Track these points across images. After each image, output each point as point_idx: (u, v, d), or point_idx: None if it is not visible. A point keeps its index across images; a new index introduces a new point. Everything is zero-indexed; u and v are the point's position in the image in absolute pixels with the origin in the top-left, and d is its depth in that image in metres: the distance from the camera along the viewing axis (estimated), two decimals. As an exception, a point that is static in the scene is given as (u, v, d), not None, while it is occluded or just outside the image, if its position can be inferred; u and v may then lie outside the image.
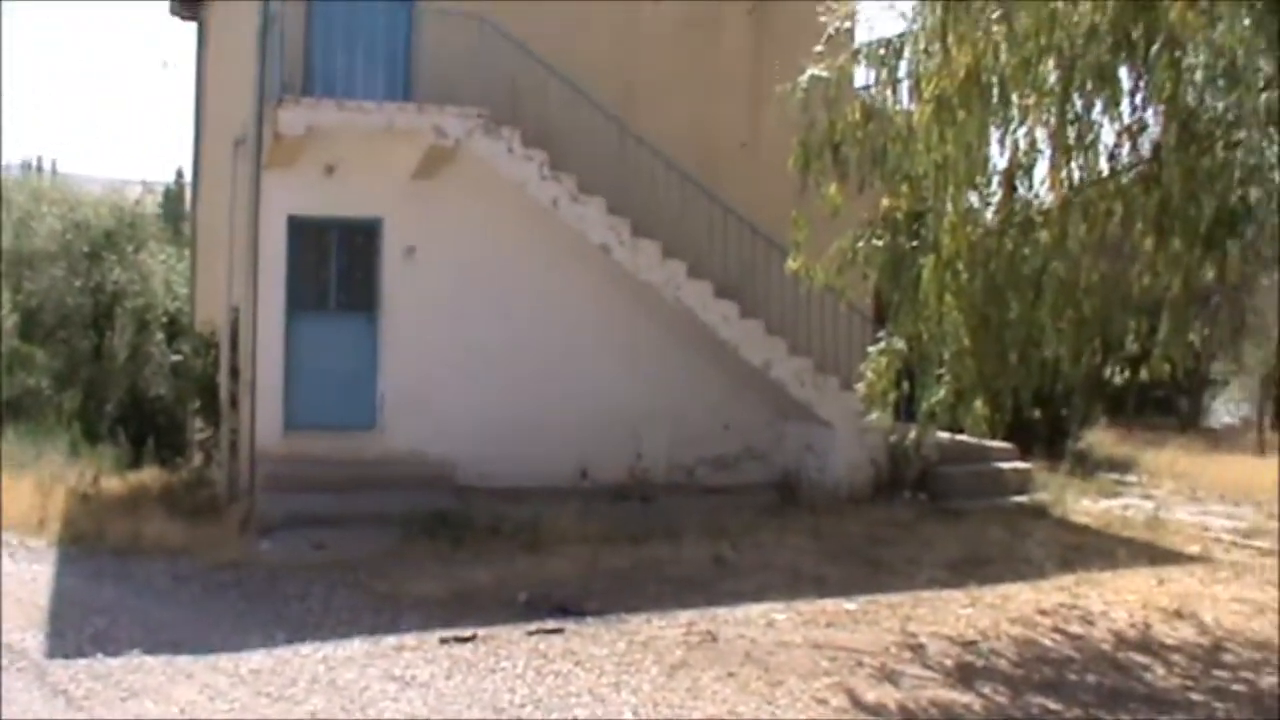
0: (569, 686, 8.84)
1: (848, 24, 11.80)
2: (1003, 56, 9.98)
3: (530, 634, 10.11)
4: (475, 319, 16.37)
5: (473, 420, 16.16)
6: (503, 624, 10.43)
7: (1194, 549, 14.79)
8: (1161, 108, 9.96)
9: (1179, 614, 11.27)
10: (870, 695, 8.75)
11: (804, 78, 11.35)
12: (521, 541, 13.57)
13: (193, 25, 23.30)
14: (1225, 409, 38.68)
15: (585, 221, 16.19)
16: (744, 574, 12.46)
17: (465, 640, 9.90)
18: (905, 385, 12.10)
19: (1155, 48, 9.56)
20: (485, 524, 14.16)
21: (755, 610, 10.97)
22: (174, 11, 23.00)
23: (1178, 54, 9.56)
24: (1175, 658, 9.96)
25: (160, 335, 28.05)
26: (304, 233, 16.22)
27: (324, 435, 16.06)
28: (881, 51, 11.17)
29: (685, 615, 10.74)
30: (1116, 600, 11.73)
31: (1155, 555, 14.22)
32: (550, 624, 10.39)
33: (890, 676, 9.18)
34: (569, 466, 16.49)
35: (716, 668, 9.24)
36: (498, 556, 12.96)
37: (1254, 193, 9.89)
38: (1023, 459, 19.18)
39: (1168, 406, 34.15)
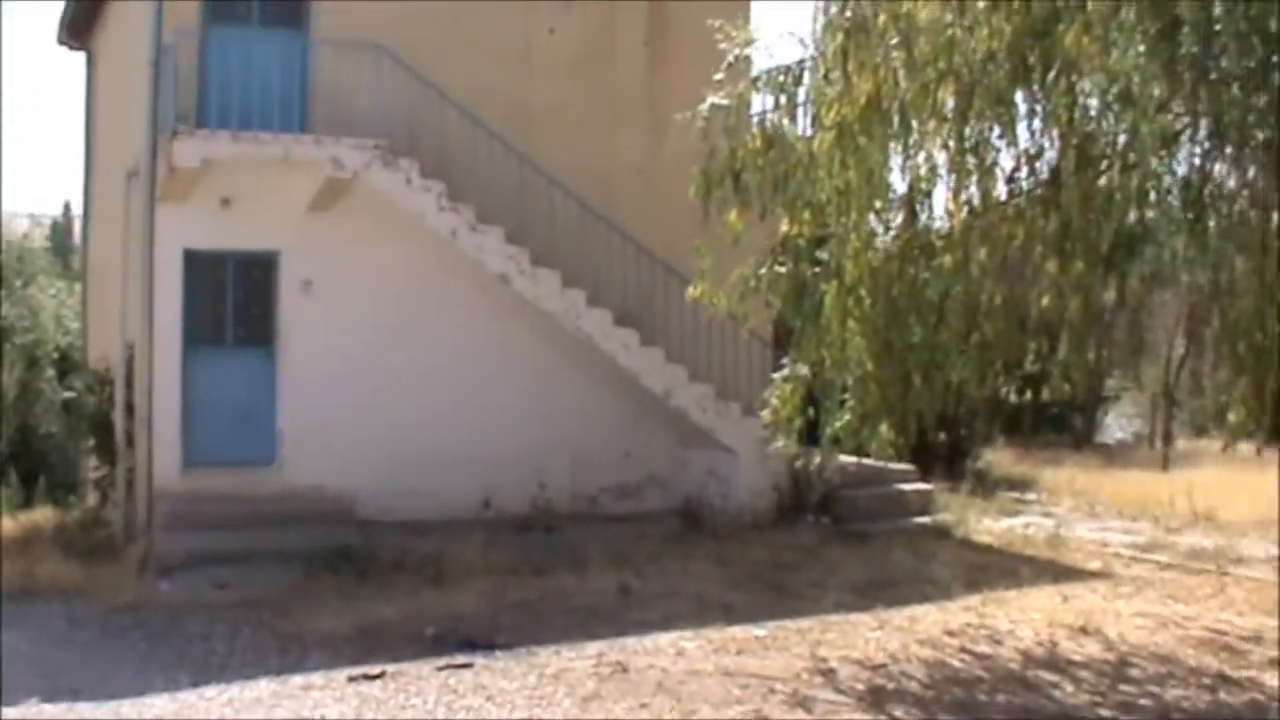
0: (481, 721, 8.77)
1: (746, 52, 11.83)
2: (902, 83, 10.06)
3: (439, 669, 9.99)
4: (375, 351, 16.24)
5: (373, 453, 16.01)
6: (411, 660, 10.30)
7: (1095, 565, 14.98)
8: (1059, 132, 10.09)
9: (1084, 630, 11.38)
10: (784, 722, 8.76)
11: (704, 105, 11.38)
12: (426, 575, 13.44)
13: (81, 55, 22.96)
14: (1118, 425, 39.26)
15: (484, 251, 16.12)
16: (651, 603, 12.43)
17: (374, 678, 9.77)
18: (810, 411, 12.15)
19: (1052, 74, 9.68)
20: (389, 558, 14.01)
21: (664, 639, 10.94)
22: (61, 41, 22.63)
23: (1074, 79, 9.69)
24: (1083, 674, 10.05)
25: (51, 371, 27.62)
26: (200, 266, 16.01)
27: (223, 472, 15.83)
28: (781, 78, 11.22)
29: (594, 646, 10.68)
30: (1022, 619, 11.83)
31: (1058, 573, 14.36)
32: (459, 658, 10.28)
33: (803, 702, 9.18)
34: (472, 498, 16.38)
35: (629, 699, 9.19)
36: (403, 591, 12.82)
37: (1151, 215, 10.02)
38: (924, 480, 19.36)
39: (1062, 424, 34.60)
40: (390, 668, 10.01)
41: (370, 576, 13.45)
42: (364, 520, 15.30)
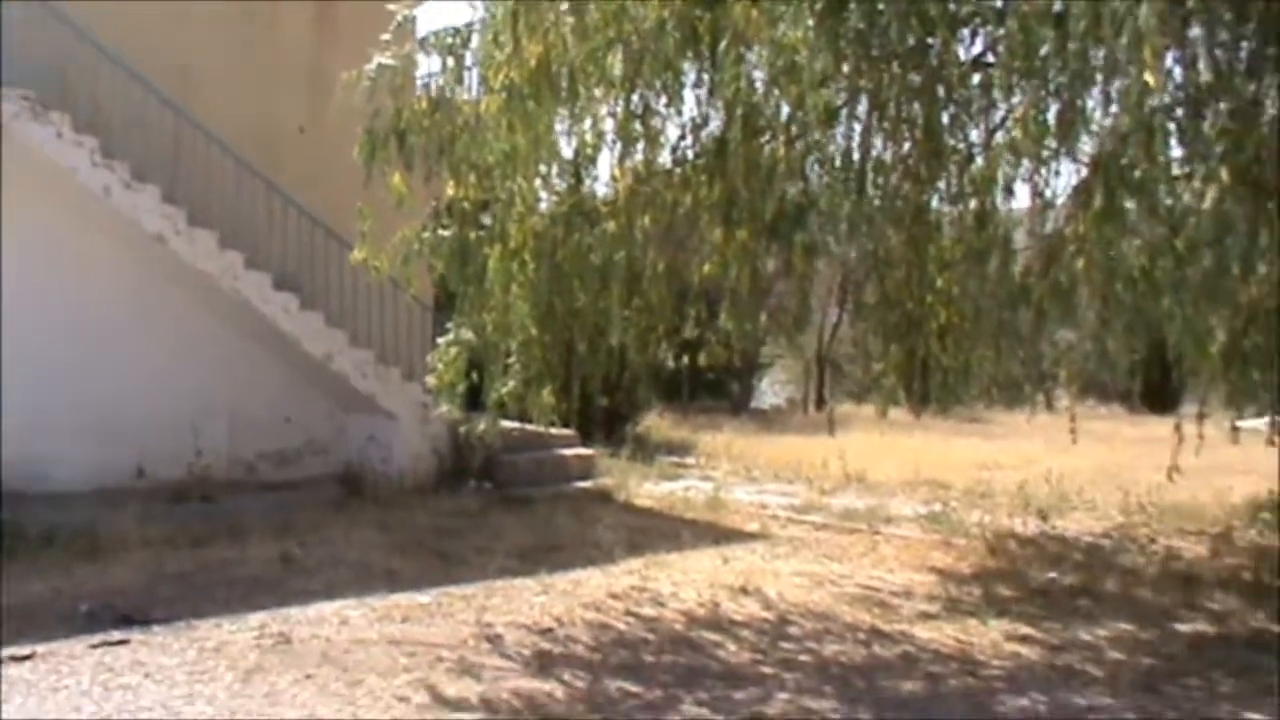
0: (139, 700, 8.42)
1: (414, 12, 11.67)
2: (572, 48, 10.06)
3: (94, 647, 9.56)
4: (19, 311, 15.44)
5: (16, 420, 15.24)
6: (63, 639, 9.81)
7: (754, 527, 15.31)
8: (725, 102, 10.24)
9: (744, 590, 11.62)
10: (451, 690, 8.67)
11: (370, 65, 11.19)
12: (79, 549, 12.86)
13: None
14: (773, 391, 40.32)
15: (139, 210, 15.51)
16: (313, 571, 12.20)
17: (23, 659, 9.30)
18: (473, 376, 12.11)
19: (721, 45, 9.81)
20: (37, 532, 13.32)
21: (328, 608, 10.74)
22: None
23: (742, 51, 9.84)
24: (744, 633, 10.24)
25: None
26: None
27: None
28: (450, 40, 11.11)
29: (256, 618, 10.41)
30: (685, 580, 12.02)
31: (718, 535, 14.64)
32: (115, 635, 9.87)
33: (470, 670, 9.12)
34: (124, 466, 15.81)
35: (293, 671, 8.99)
36: (54, 566, 12.25)
37: (813, 186, 10.27)
38: (585, 445, 19.51)
39: (720, 390, 35.33)
40: (41, 648, 9.53)
41: (18, 553, 12.78)
42: (8, 492, 14.53)
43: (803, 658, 9.58)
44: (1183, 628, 10.61)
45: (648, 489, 17.93)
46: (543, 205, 11.47)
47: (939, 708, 8.45)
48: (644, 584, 11.86)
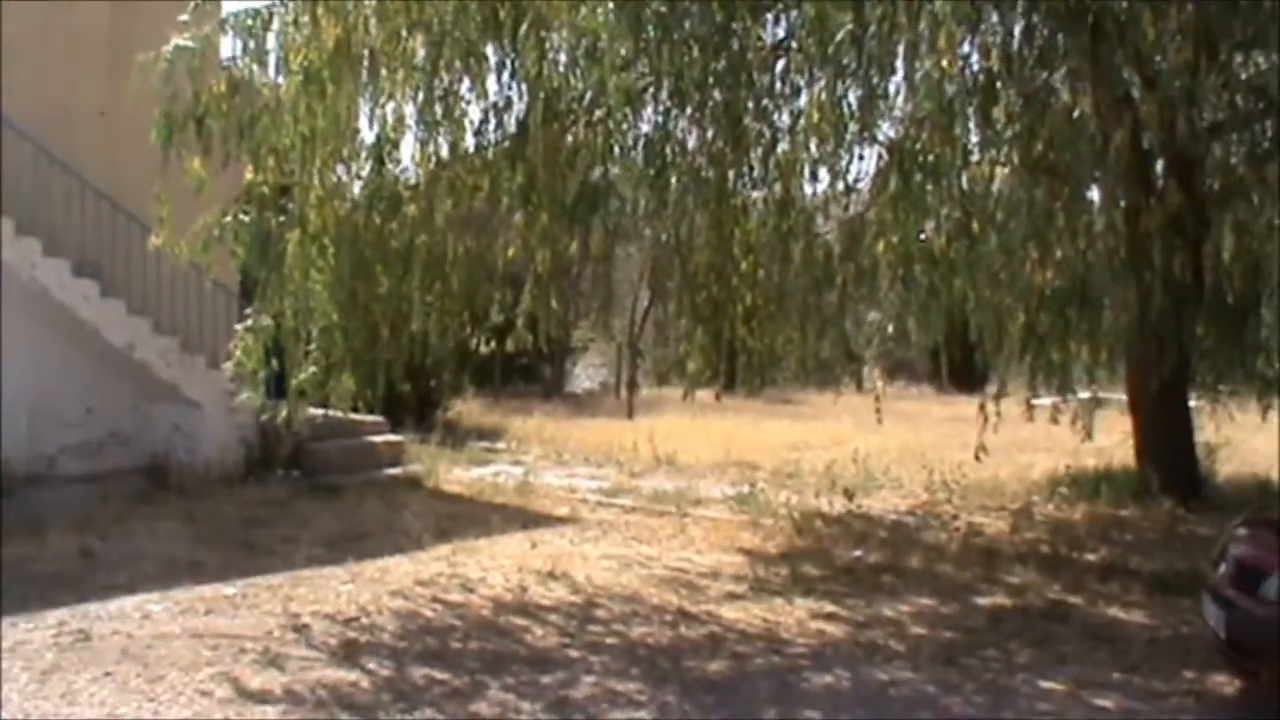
0: (-73, 704, 8.21)
1: (214, -7, 11.49)
2: (372, 30, 9.98)
3: (-120, 649, 9.31)
4: None
5: None
6: None
7: (563, 511, 15.32)
8: (527, 86, 10.23)
9: (553, 574, 11.64)
10: (255, 682, 8.55)
11: (168, 47, 10.97)
12: None
13: None
14: (585, 375, 40.37)
15: (-73, 196, 15.05)
16: (116, 566, 11.92)
17: None
18: (276, 362, 11.97)
19: (523, 28, 9.79)
20: None
21: (130, 603, 10.52)
22: None
23: (543, 34, 9.83)
24: (552, 617, 10.25)
25: None
26: None
27: None
28: (250, 22, 10.95)
29: (55, 615, 10.15)
30: (493, 566, 12.00)
31: (527, 519, 14.63)
32: (-97, 636, 9.61)
33: (275, 661, 9.00)
34: (-85, 461, 15.34)
35: (92, 668, 8.79)
36: None
37: (614, 170, 10.30)
38: (394, 432, 19.40)
39: (532, 374, 35.28)
40: None
41: None
42: None
43: (610, 640, 9.62)
44: (982, 601, 10.85)
45: (457, 475, 17.85)
46: (344, 190, 11.36)
47: (745, 686, 8.54)
48: (452, 570, 11.82)
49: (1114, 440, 16.50)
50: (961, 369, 33.46)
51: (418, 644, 9.47)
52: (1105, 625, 10.05)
